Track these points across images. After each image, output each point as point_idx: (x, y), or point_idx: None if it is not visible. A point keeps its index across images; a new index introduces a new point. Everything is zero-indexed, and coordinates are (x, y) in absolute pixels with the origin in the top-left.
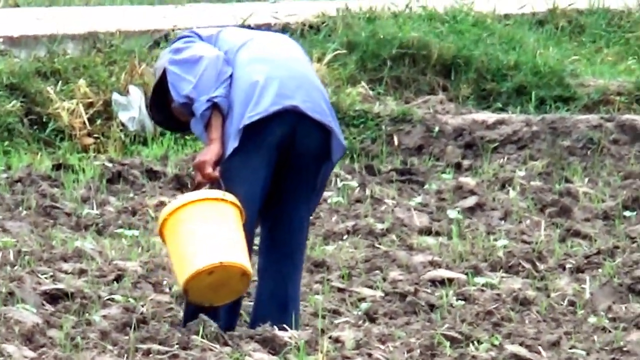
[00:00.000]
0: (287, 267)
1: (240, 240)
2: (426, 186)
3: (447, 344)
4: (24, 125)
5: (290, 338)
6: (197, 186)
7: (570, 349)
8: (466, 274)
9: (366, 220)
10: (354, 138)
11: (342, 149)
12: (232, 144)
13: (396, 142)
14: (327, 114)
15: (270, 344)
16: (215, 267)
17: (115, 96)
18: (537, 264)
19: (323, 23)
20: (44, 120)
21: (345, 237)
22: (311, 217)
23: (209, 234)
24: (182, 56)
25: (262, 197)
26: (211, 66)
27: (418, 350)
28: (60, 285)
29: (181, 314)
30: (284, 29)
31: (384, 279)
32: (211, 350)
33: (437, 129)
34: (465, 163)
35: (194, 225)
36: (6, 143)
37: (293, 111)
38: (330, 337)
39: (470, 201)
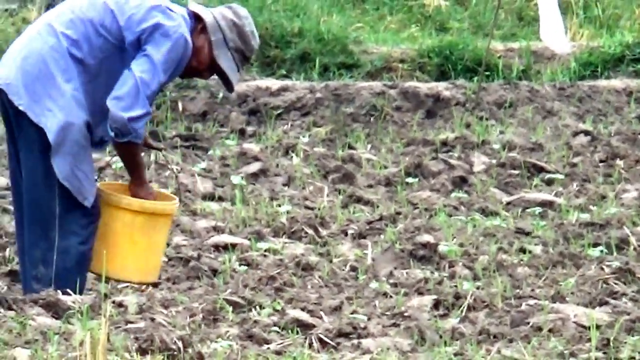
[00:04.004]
0: (29, 235)
1: None
2: (210, 152)
3: (230, 308)
4: None
5: (73, 302)
6: None
7: (351, 313)
8: (249, 239)
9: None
10: None
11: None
12: None
13: (180, 108)
14: (11, 77)
15: (54, 309)
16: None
17: None
18: (320, 229)
19: None
20: None
21: None
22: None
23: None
24: None
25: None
26: None
27: (201, 315)
28: None
29: None
30: None
31: (168, 244)
32: None
33: (221, 95)
34: (249, 129)
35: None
36: None
37: None
38: (113, 302)
39: (254, 167)
